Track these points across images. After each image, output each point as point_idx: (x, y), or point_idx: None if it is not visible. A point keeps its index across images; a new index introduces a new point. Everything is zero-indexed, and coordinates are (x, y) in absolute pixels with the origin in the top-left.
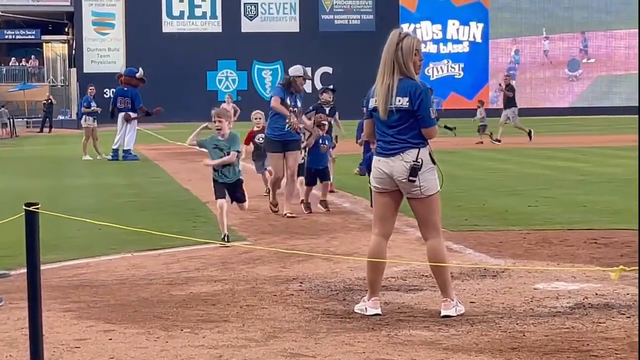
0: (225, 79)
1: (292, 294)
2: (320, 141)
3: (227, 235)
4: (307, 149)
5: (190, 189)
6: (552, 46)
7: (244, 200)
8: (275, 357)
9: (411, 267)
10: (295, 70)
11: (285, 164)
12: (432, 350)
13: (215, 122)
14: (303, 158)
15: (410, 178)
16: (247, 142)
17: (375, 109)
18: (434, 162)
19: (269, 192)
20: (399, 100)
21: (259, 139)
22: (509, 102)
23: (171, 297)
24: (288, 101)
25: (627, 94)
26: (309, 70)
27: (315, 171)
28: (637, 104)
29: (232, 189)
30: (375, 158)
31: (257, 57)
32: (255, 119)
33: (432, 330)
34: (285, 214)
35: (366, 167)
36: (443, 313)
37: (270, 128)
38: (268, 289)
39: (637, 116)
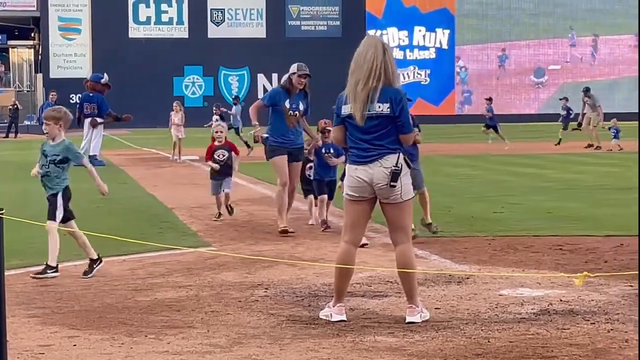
0: (192, 85)
1: (257, 300)
2: (324, 150)
3: (49, 266)
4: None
5: (156, 194)
6: (518, 53)
7: (52, 218)
8: None
9: (376, 273)
10: (291, 68)
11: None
12: (397, 356)
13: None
14: (311, 168)
15: (392, 183)
16: (207, 158)
17: (350, 116)
18: (409, 167)
19: (219, 217)
20: (379, 107)
21: (219, 155)
22: None
23: (136, 303)
24: (287, 104)
25: (591, 101)
26: (275, 76)
27: (328, 182)
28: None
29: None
30: (350, 167)
31: (224, 63)
32: (216, 132)
33: (397, 336)
34: (280, 230)
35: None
36: (408, 319)
37: (271, 134)
38: (233, 295)
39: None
